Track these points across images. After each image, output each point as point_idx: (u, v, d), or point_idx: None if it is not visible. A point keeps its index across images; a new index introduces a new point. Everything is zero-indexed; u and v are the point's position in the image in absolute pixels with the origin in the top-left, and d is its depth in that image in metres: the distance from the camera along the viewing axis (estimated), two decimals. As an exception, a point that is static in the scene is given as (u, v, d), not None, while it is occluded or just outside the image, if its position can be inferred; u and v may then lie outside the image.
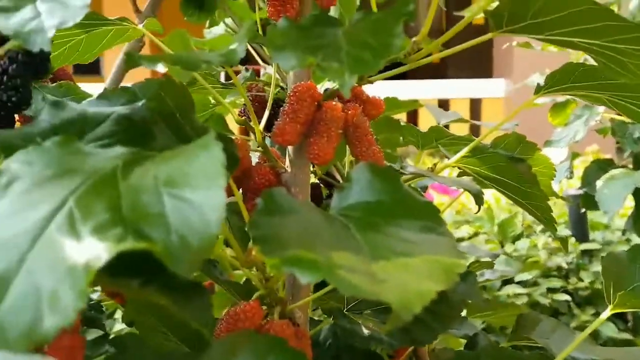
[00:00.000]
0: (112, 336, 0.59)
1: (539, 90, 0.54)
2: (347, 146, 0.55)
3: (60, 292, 0.25)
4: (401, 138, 0.77)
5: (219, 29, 1.13)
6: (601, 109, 1.47)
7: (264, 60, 0.98)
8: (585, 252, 2.52)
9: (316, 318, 0.67)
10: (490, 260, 0.75)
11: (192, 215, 0.29)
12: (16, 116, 0.65)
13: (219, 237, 0.52)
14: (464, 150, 0.57)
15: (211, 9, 0.93)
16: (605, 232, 2.66)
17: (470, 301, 0.60)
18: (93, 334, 0.97)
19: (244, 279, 0.64)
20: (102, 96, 0.45)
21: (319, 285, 0.57)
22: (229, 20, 1.10)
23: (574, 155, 1.59)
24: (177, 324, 0.56)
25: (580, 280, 2.46)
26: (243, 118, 0.56)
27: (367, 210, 0.40)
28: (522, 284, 2.37)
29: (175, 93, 0.47)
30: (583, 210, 1.63)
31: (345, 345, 0.59)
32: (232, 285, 0.55)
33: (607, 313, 0.50)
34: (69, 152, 0.34)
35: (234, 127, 0.88)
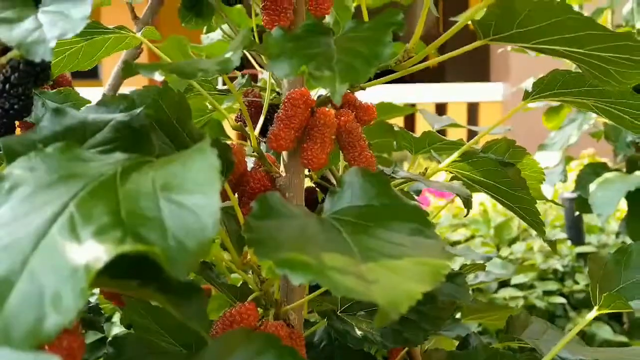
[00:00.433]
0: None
1: (527, 96, 0.56)
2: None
3: (62, 292, 0.26)
4: (395, 143, 0.78)
5: (216, 35, 1.14)
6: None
7: (260, 66, 1.00)
8: (580, 255, 2.54)
9: (312, 320, 0.68)
10: (482, 262, 0.76)
11: (189, 219, 0.31)
12: (16, 122, 0.66)
13: (215, 240, 0.53)
14: (455, 155, 0.58)
15: (208, 16, 0.94)
16: (600, 235, 2.67)
17: (463, 304, 0.62)
18: (92, 337, 0.98)
19: (241, 282, 0.65)
20: (102, 103, 0.46)
21: (314, 288, 0.58)
22: (225, 27, 1.11)
23: (568, 159, 1.60)
24: (174, 326, 0.57)
25: (576, 283, 2.48)
26: (239, 124, 0.58)
27: (358, 214, 0.41)
28: (518, 286, 2.39)
29: (172, 100, 0.48)
30: (578, 213, 1.65)
31: (340, 346, 0.60)
32: (228, 288, 0.56)
33: (593, 314, 0.51)
34: (70, 158, 0.35)
35: (231, 132, 0.89)
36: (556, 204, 0.85)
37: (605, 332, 2.24)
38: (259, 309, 0.50)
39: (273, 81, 1.06)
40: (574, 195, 1.88)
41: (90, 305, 0.77)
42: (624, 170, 1.57)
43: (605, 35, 0.42)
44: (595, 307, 0.50)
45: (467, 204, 0.58)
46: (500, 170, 0.57)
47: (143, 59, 0.82)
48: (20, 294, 0.26)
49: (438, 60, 0.52)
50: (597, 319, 2.38)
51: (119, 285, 0.32)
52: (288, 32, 0.45)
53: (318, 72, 0.39)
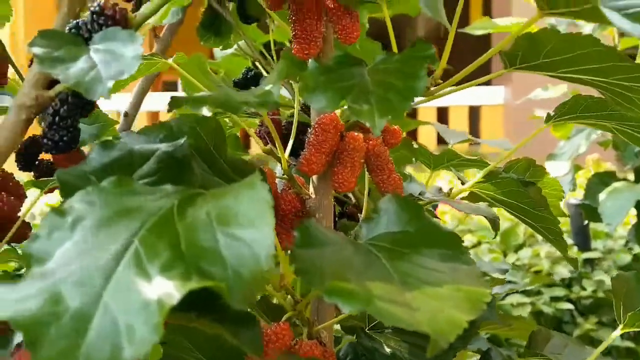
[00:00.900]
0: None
1: (548, 119, 0.58)
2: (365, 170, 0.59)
3: (135, 326, 0.28)
4: (414, 159, 0.80)
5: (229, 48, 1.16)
6: (602, 122, 1.51)
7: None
8: (587, 261, 2.55)
9: (337, 335, 0.69)
10: (501, 277, 0.78)
11: (245, 253, 0.32)
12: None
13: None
14: (479, 176, 0.60)
15: (227, 34, 0.96)
16: (607, 240, 2.69)
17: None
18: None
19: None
20: (143, 132, 0.48)
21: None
22: (241, 42, 1.13)
23: (577, 168, 1.62)
24: (205, 342, 0.59)
25: (583, 289, 2.49)
26: (269, 147, 0.59)
27: (394, 240, 0.43)
28: (525, 293, 2.40)
29: (210, 128, 0.50)
30: (587, 221, 1.66)
31: (367, 362, 0.62)
32: (262, 307, 0.58)
33: (617, 332, 0.53)
34: (125, 192, 0.37)
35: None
36: (567, 215, 0.87)
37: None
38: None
39: (290, 97, 1.08)
40: (579, 201, 1.89)
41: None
42: (631, 178, 1.58)
43: (629, 66, 0.44)
44: (620, 326, 0.52)
45: (495, 226, 0.59)
46: (523, 191, 0.59)
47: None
48: (97, 327, 0.28)
49: (460, 82, 0.53)
50: (601, 323, 2.40)
51: (179, 317, 0.34)
52: (322, 65, 0.47)
53: (356, 106, 0.41)
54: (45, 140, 0.44)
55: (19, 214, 0.58)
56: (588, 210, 1.48)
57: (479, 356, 0.68)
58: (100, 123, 0.72)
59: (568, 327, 2.35)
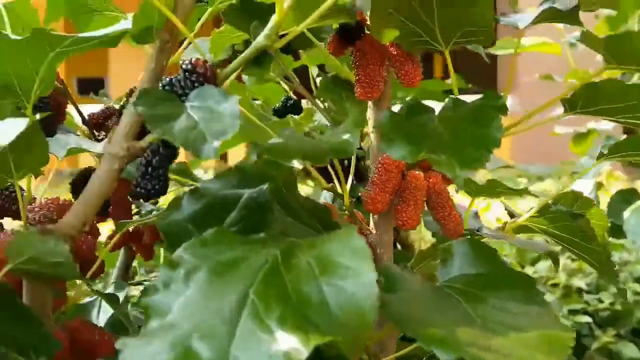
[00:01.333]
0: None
1: (601, 156, 0.60)
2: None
3: (266, 379, 0.31)
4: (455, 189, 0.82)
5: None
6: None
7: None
8: (603, 273, 2.55)
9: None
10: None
11: (350, 304, 0.35)
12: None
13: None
14: (533, 210, 0.62)
15: (268, 65, 0.99)
16: (622, 252, 2.70)
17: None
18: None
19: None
20: (220, 177, 0.51)
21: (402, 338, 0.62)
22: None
23: (598, 185, 1.64)
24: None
25: (600, 301, 2.50)
26: (331, 185, 0.62)
27: (470, 282, 0.45)
28: (543, 306, 2.40)
29: (282, 171, 0.53)
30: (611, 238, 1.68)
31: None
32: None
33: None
34: (226, 242, 0.40)
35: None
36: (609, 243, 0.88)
37: (630, 350, 2.26)
38: None
39: (325, 122, 1.10)
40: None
41: None
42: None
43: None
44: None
45: (556, 262, 0.62)
46: (574, 225, 0.61)
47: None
48: (230, 381, 0.31)
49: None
50: (619, 336, 2.40)
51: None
52: (395, 114, 0.49)
53: (435, 156, 0.44)
54: (138, 189, 0.47)
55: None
56: (613, 228, 1.49)
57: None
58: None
59: (587, 340, 2.35)
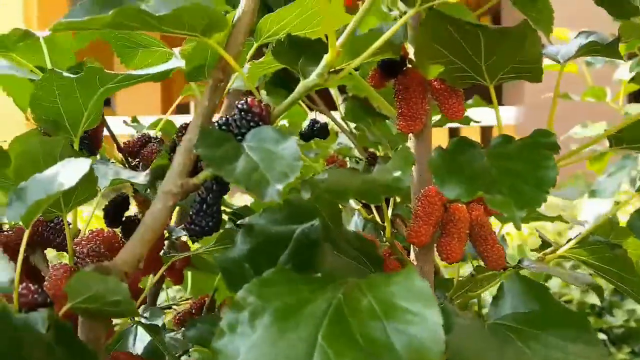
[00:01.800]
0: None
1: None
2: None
3: None
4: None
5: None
6: (642, 159, 1.54)
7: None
8: (617, 290, 2.54)
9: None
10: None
11: (417, 349, 0.35)
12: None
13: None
14: (572, 242, 0.62)
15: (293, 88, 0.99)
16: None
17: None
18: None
19: None
20: (266, 212, 0.51)
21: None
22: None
23: (617, 205, 1.64)
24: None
25: (614, 318, 2.48)
26: (371, 216, 0.62)
27: (522, 320, 0.46)
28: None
29: (327, 205, 0.53)
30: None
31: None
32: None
33: None
34: (286, 282, 0.40)
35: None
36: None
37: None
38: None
39: (352, 145, 1.10)
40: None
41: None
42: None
43: None
44: None
45: (600, 295, 0.62)
46: (613, 255, 0.61)
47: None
48: None
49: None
50: (634, 353, 2.39)
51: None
52: (444, 152, 0.50)
53: (489, 196, 0.44)
54: (192, 227, 0.47)
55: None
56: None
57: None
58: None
59: (602, 358, 2.34)
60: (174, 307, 0.92)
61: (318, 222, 0.49)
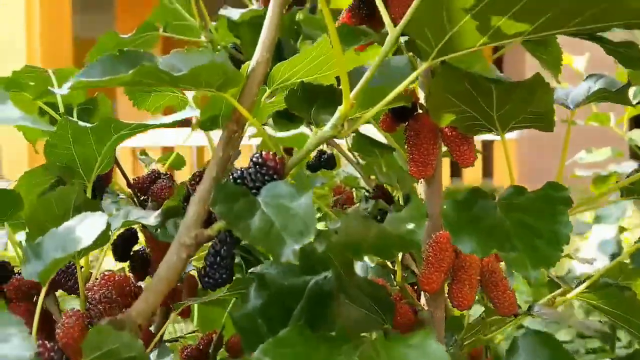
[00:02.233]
0: None
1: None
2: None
3: None
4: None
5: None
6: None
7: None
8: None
9: None
10: None
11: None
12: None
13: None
14: (583, 286, 0.62)
15: (300, 120, 1.00)
16: (639, 290, 2.68)
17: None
18: None
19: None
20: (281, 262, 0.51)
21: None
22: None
23: (621, 229, 1.64)
24: None
25: (618, 339, 2.47)
26: (381, 260, 0.62)
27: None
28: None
29: (340, 255, 0.53)
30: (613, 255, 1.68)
31: None
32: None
33: None
34: (303, 342, 0.40)
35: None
36: None
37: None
38: None
39: (359, 177, 1.10)
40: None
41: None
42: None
43: None
44: None
45: (612, 345, 0.62)
46: (623, 299, 0.61)
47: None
48: None
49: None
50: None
51: None
52: (457, 202, 0.50)
53: (504, 253, 0.44)
54: (206, 279, 0.47)
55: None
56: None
57: None
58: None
59: (606, 380, 2.33)
60: (180, 339, 0.92)
61: (331, 274, 0.49)
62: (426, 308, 0.61)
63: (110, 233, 0.60)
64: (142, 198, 0.79)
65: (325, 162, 1.02)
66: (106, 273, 0.59)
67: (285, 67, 0.58)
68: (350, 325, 0.50)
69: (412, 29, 0.47)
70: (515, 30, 0.46)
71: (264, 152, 0.47)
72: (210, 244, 0.49)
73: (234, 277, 0.48)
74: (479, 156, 0.57)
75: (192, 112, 0.52)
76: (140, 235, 0.83)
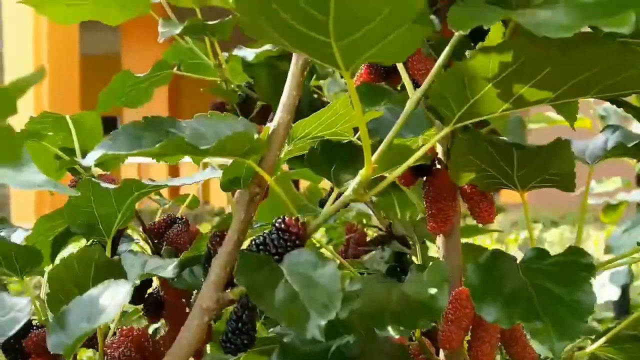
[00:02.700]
0: None
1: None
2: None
3: None
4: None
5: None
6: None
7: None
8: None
9: None
10: None
11: None
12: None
13: None
14: (602, 340, 0.62)
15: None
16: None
17: None
18: None
19: None
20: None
21: None
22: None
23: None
24: None
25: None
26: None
27: None
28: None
29: (360, 315, 0.53)
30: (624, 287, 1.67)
31: None
32: None
33: None
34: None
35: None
36: None
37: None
38: None
39: (371, 213, 1.10)
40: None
41: None
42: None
43: None
44: None
45: None
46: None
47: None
48: None
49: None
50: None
51: None
52: (478, 265, 0.50)
53: (529, 325, 0.44)
54: (227, 345, 0.47)
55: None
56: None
57: None
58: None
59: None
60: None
61: (353, 339, 0.49)
62: (445, 364, 0.60)
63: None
64: (158, 243, 0.79)
65: (338, 200, 1.02)
66: (124, 328, 0.59)
67: (305, 124, 0.58)
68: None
69: (433, 95, 0.47)
70: (538, 98, 0.46)
71: (286, 218, 0.47)
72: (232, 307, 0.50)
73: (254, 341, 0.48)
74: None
75: (214, 174, 0.52)
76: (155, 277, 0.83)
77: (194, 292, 0.78)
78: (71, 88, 7.01)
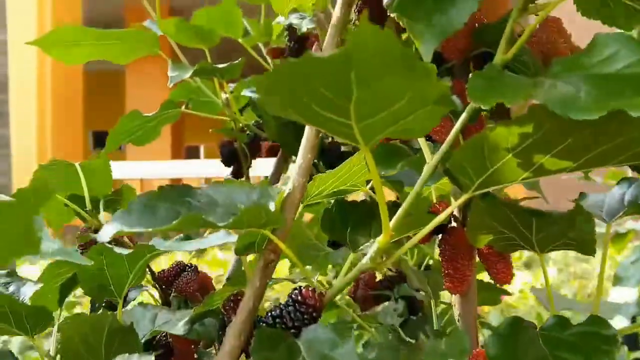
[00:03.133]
0: None
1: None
2: None
3: None
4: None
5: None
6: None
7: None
8: (637, 362, 2.49)
9: None
10: None
11: None
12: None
13: None
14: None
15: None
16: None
17: None
18: None
19: None
20: None
21: None
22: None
23: (641, 289, 1.61)
24: None
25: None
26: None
27: None
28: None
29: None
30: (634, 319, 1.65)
31: None
32: None
33: None
34: None
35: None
36: None
37: None
38: None
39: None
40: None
41: None
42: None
43: None
44: None
45: None
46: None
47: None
48: None
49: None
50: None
51: None
52: (499, 333, 0.49)
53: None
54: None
55: None
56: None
57: None
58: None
59: None
60: None
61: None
62: None
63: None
64: (168, 291, 0.78)
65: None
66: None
67: (319, 181, 0.57)
68: None
69: (452, 165, 0.46)
70: (559, 167, 0.46)
71: (303, 289, 0.47)
72: None
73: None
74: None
75: (228, 238, 0.51)
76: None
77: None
78: (74, 104, 7.04)
